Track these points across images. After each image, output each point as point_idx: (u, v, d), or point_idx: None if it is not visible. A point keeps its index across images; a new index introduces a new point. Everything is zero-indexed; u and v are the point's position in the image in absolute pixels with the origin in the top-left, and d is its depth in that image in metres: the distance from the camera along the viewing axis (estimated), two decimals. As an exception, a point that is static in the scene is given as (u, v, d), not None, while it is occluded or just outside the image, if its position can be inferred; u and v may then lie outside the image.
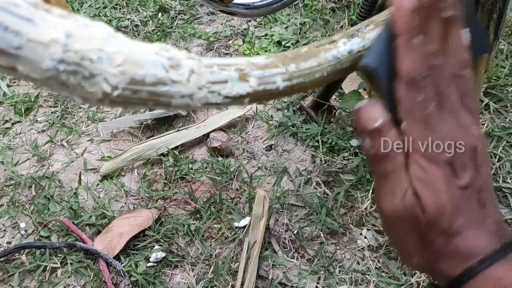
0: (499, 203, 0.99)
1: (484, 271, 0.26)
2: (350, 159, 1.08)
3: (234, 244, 0.97)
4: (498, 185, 1.00)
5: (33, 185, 1.10)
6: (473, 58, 0.28)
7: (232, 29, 1.46)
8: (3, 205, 1.08)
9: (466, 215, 0.26)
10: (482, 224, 0.27)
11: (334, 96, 1.19)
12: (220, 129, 1.18)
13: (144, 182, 1.09)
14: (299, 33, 1.41)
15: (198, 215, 1.02)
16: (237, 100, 0.24)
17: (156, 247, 0.98)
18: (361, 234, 0.97)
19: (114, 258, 0.95)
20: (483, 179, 0.27)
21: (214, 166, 1.10)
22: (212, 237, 0.99)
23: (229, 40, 1.43)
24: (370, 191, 1.01)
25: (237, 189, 1.06)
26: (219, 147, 1.12)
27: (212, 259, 0.95)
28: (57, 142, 1.20)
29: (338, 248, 0.96)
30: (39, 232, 1.02)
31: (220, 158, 1.12)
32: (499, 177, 1.01)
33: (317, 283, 0.91)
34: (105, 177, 1.11)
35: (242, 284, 0.89)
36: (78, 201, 1.06)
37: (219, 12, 1.46)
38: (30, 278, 0.95)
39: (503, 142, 1.08)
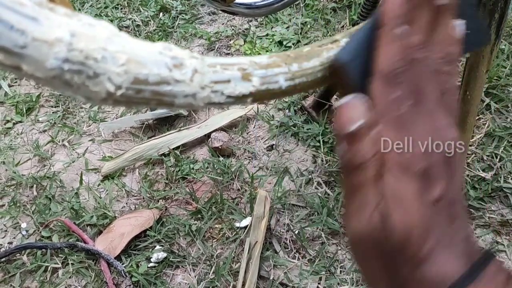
0: (500, 203, 0.99)
1: None
2: (351, 159, 1.08)
3: (235, 244, 0.97)
4: (499, 185, 1.00)
5: (35, 185, 1.10)
6: (469, 52, 0.27)
7: (233, 29, 1.46)
8: (4, 205, 1.08)
9: (435, 235, 0.24)
10: (451, 243, 0.24)
11: (335, 96, 1.19)
12: (221, 129, 1.18)
13: (145, 182, 1.09)
14: (300, 33, 1.41)
15: (199, 215, 1.02)
16: (240, 99, 0.24)
17: (157, 247, 0.98)
18: (362, 234, 0.97)
19: (115, 258, 0.95)
20: (455, 190, 0.25)
21: (215, 166, 1.10)
22: (213, 237, 0.99)
23: (230, 40, 1.43)
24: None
25: (238, 189, 1.06)
26: (220, 147, 1.12)
27: (213, 260, 0.95)
28: (59, 142, 1.20)
29: (339, 248, 0.95)
30: (40, 232, 1.02)
31: (221, 158, 1.12)
32: (500, 177, 1.01)
33: (318, 283, 0.91)
34: (106, 177, 1.11)
35: (243, 285, 0.89)
36: (80, 201, 1.06)
37: (220, 12, 1.47)
38: (31, 279, 0.95)
39: (504, 142, 1.08)
